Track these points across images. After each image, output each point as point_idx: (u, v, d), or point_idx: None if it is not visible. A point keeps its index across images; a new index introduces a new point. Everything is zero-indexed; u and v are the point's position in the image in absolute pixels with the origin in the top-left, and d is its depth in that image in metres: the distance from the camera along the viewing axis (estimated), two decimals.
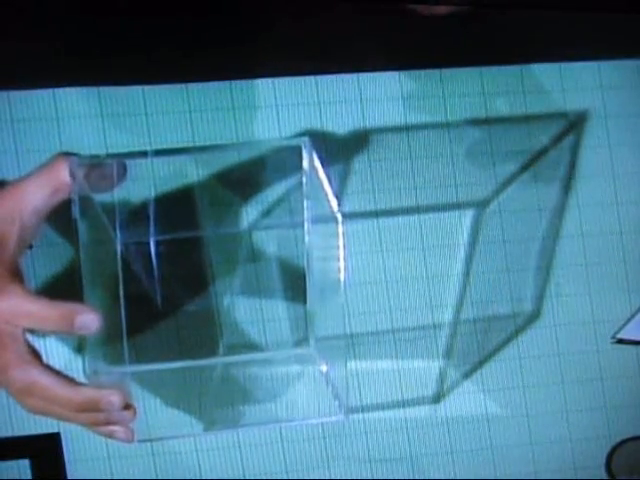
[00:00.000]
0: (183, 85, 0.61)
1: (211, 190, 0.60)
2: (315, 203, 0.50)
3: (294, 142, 0.51)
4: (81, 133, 0.60)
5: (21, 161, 0.60)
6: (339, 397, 0.58)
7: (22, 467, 0.60)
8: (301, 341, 0.57)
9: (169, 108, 0.61)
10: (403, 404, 0.63)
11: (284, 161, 0.52)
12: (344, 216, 0.63)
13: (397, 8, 0.61)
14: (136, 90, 0.61)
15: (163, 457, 0.61)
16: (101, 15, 0.59)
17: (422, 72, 0.64)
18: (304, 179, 0.50)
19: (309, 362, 0.50)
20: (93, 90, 0.60)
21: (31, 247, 0.59)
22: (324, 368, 0.52)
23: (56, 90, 0.60)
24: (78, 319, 0.49)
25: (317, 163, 0.54)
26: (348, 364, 0.63)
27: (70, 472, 0.60)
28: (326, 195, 0.59)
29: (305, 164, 0.50)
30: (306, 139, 0.51)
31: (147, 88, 0.61)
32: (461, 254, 0.64)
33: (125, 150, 0.58)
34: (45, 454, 0.60)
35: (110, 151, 0.61)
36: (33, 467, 0.60)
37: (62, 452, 0.60)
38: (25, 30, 0.59)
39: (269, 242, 0.61)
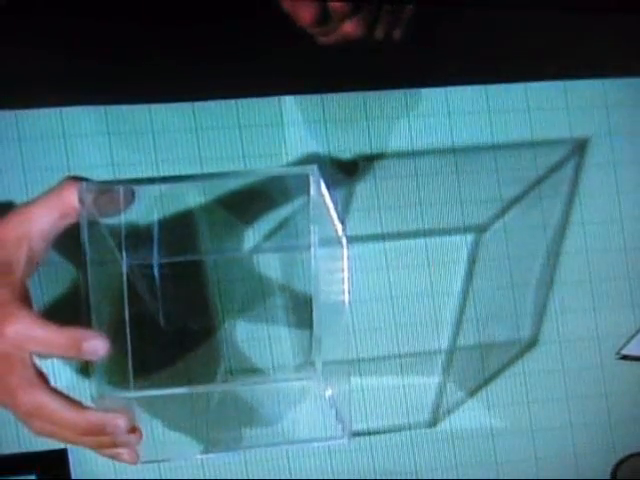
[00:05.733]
0: (189, 103, 0.62)
1: (217, 213, 0.60)
2: (321, 228, 0.51)
3: (302, 170, 0.51)
4: (88, 151, 0.60)
5: (28, 179, 0.60)
6: (343, 420, 0.58)
7: None
8: (305, 365, 0.57)
9: (175, 126, 0.61)
10: (408, 419, 0.64)
11: (290, 185, 0.52)
12: (350, 234, 0.63)
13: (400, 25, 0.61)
14: (143, 108, 0.61)
15: (170, 472, 0.61)
16: (108, 34, 0.59)
17: (427, 90, 0.64)
18: (311, 206, 0.50)
19: (314, 386, 0.50)
20: (100, 109, 0.61)
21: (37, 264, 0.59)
22: (329, 392, 0.52)
23: (63, 109, 0.60)
24: (85, 345, 0.49)
25: (324, 190, 0.54)
26: (353, 380, 0.63)
27: None
28: (332, 220, 0.59)
29: (313, 191, 0.50)
30: (314, 167, 0.51)
31: (154, 106, 0.61)
32: (466, 272, 0.64)
33: (132, 167, 0.58)
34: (52, 470, 0.60)
35: (117, 169, 0.61)
36: None
37: (69, 467, 0.60)
38: (32, 50, 0.59)
39: (274, 265, 0.61)
